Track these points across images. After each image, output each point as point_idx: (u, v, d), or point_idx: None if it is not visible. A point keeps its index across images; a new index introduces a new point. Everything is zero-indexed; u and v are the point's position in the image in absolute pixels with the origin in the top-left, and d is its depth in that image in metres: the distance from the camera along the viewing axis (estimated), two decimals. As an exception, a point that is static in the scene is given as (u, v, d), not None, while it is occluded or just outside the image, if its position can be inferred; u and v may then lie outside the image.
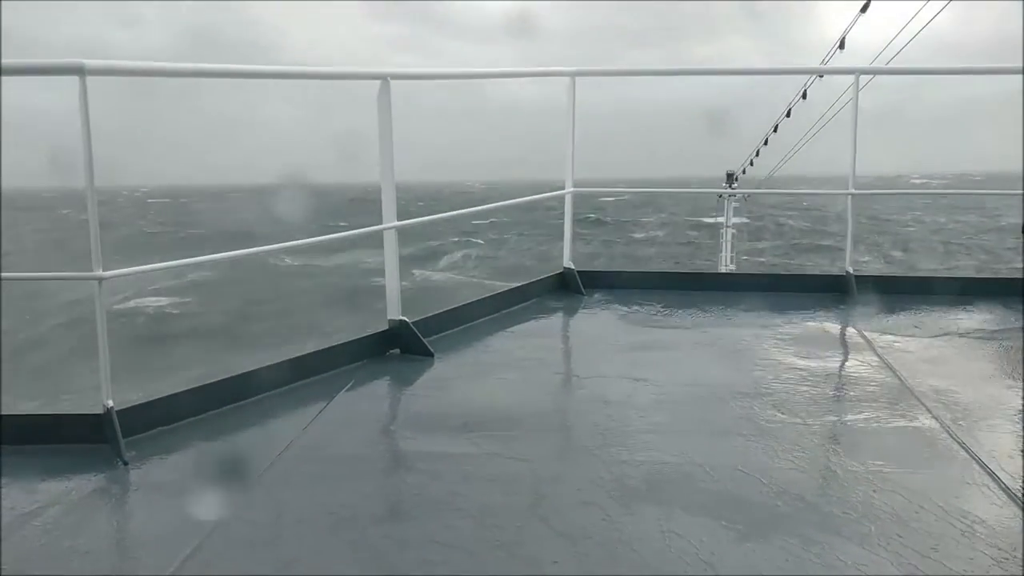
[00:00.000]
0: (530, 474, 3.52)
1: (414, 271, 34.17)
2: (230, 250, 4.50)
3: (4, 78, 3.55)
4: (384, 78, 4.79)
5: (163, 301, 29.14)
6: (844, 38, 12.94)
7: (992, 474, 3.38)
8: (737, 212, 22.46)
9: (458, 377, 4.79)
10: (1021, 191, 6.00)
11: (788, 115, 19.71)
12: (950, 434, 3.81)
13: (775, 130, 22.78)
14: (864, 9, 12.57)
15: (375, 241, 5.15)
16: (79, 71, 3.47)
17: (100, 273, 3.67)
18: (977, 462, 3.51)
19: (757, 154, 24.98)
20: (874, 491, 3.26)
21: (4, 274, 3.85)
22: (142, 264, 4.07)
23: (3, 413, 3.95)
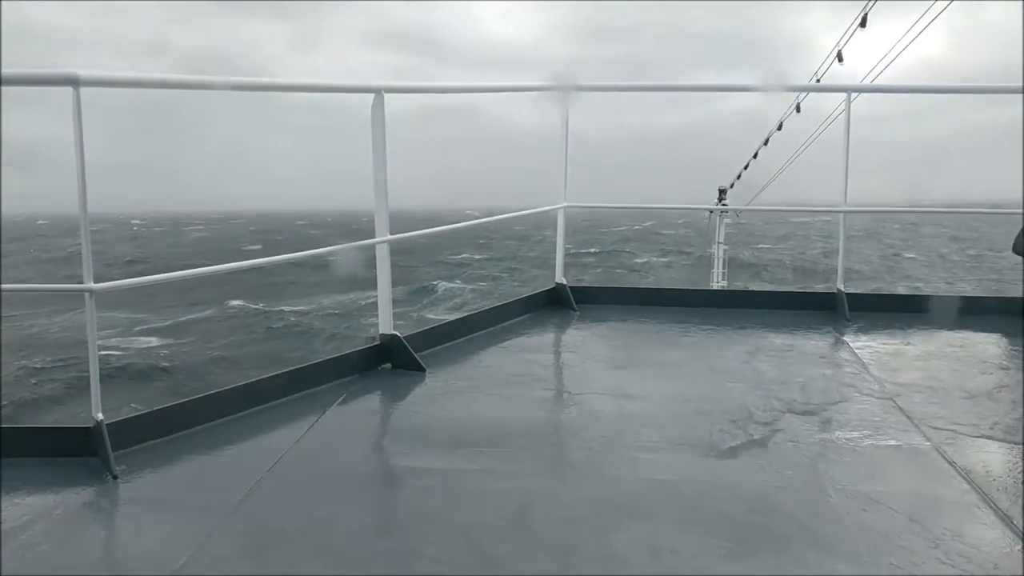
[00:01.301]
0: (520, 490, 3.51)
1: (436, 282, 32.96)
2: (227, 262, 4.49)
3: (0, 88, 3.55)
4: (378, 91, 4.80)
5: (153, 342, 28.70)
6: (840, 51, 12.89)
7: (983, 494, 3.38)
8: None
9: (449, 392, 4.78)
10: (1021, 211, 6.00)
11: (780, 128, 19.73)
12: (940, 453, 3.81)
13: (766, 143, 22.83)
14: (863, 23, 12.59)
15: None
16: (73, 82, 3.46)
17: (91, 285, 3.65)
18: (968, 482, 3.51)
19: (746, 167, 25.02)
20: (864, 510, 3.25)
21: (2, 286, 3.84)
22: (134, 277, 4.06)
23: None
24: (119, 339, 26.70)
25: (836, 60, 12.57)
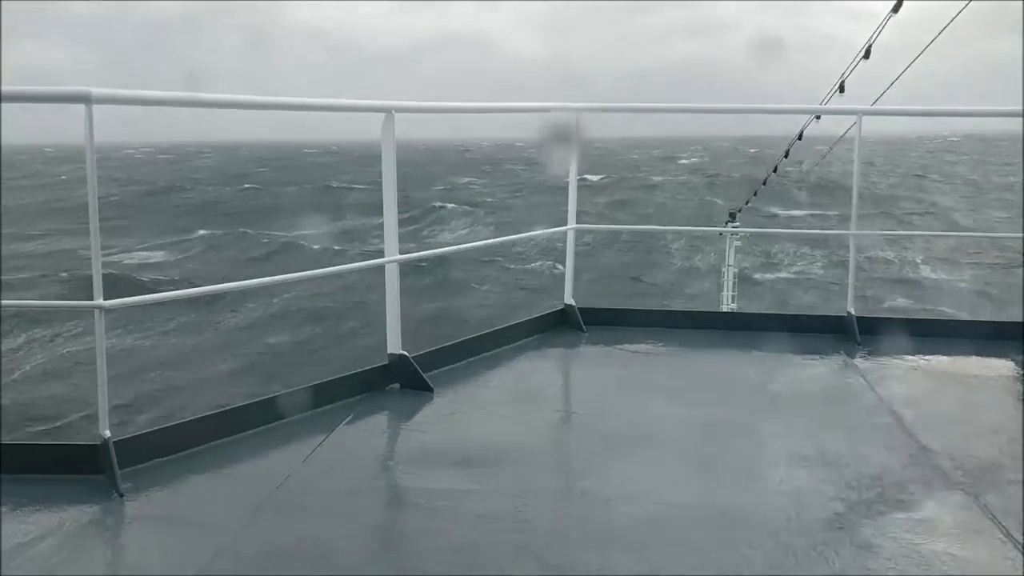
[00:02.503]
0: (524, 512, 3.49)
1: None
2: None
3: (12, 105, 3.57)
4: (388, 111, 4.80)
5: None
6: (843, 82, 12.86)
7: (1014, 540, 3.24)
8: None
9: (457, 413, 4.76)
10: (1021, 233, 5.95)
11: (786, 155, 19.73)
12: (949, 482, 3.76)
13: (775, 170, 22.83)
14: (867, 56, 12.55)
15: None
16: (85, 99, 3.48)
17: (101, 303, 3.65)
18: (993, 520, 3.39)
19: (755, 194, 25.02)
20: (871, 547, 3.20)
21: (4, 301, 3.85)
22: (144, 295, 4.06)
23: (1, 443, 3.91)
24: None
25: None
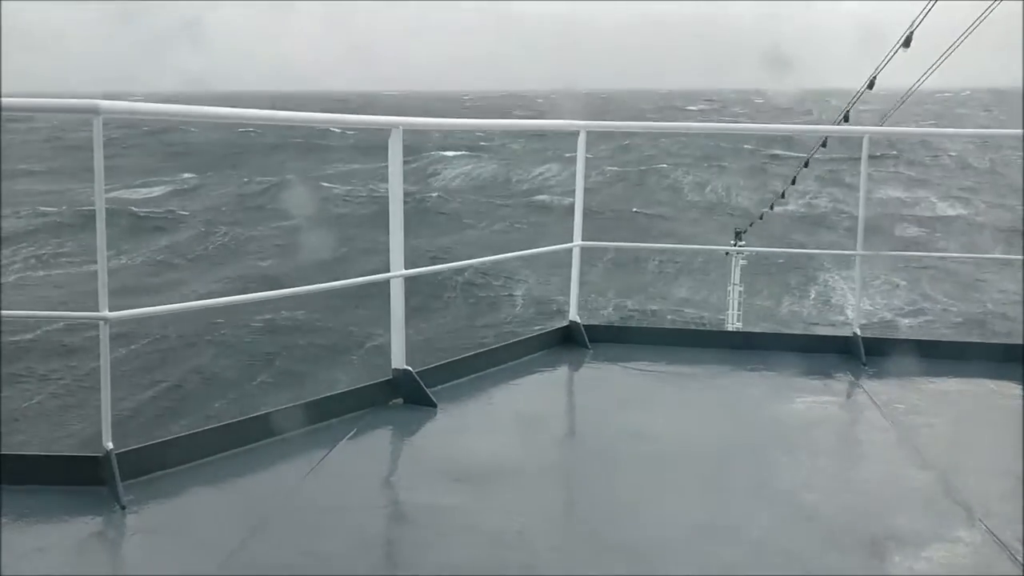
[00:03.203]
0: (527, 529, 3.47)
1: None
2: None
3: (24, 116, 3.59)
4: (395, 126, 4.81)
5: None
6: (874, 79, 12.57)
7: None
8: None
9: (460, 429, 4.75)
10: (1021, 256, 5.93)
11: (807, 165, 19.78)
12: (961, 508, 3.74)
13: (793, 182, 22.89)
14: (871, 87, 12.49)
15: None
16: (94, 111, 3.49)
17: (106, 314, 3.65)
18: (1010, 555, 3.26)
19: (771, 207, 25.04)
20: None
21: (7, 312, 3.85)
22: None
23: (2, 453, 3.91)
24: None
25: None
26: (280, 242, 34.62)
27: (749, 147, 59.13)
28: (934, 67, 11.13)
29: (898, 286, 29.86)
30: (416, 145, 52.36)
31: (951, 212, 44.17)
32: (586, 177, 6.17)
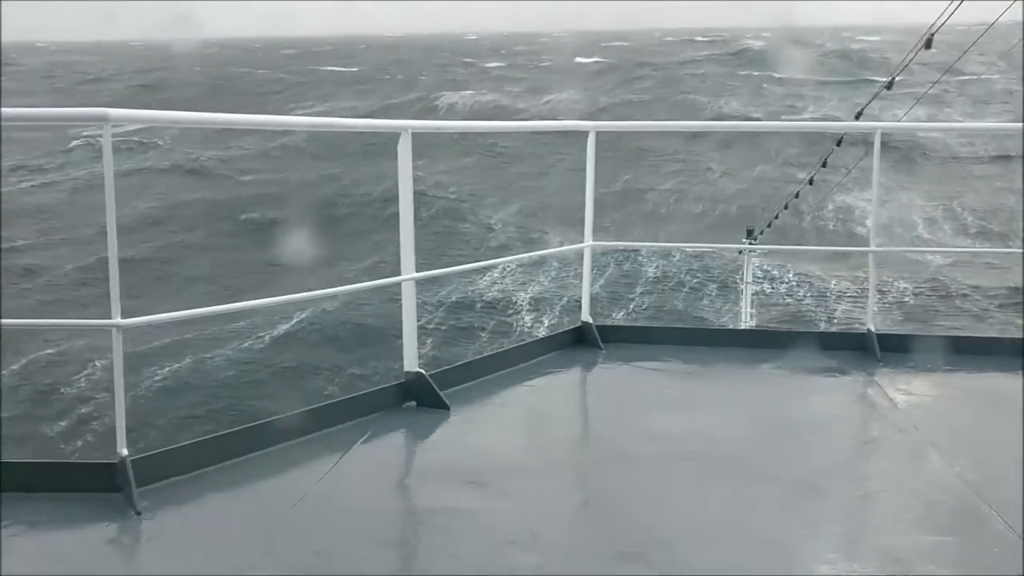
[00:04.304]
0: (541, 530, 3.47)
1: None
2: None
3: (35, 125, 3.62)
4: (404, 130, 4.81)
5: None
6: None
7: None
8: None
9: (473, 431, 4.75)
10: (1021, 249, 5.86)
11: (824, 165, 19.65)
12: (981, 503, 3.71)
13: (810, 182, 22.77)
14: (888, 87, 12.29)
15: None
16: (103, 119, 3.51)
17: (118, 321, 3.66)
18: None
19: (786, 207, 24.90)
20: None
21: (22, 321, 3.87)
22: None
23: (17, 460, 3.93)
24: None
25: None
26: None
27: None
28: (951, 67, 11.04)
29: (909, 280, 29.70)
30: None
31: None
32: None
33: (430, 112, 48.89)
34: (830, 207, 40.02)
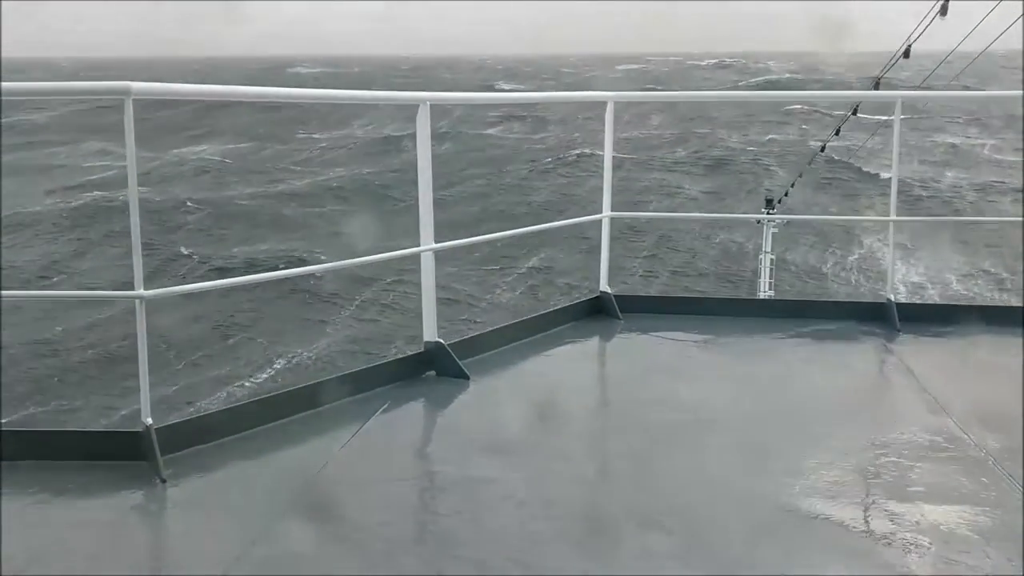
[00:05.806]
0: (561, 499, 3.51)
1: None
2: None
3: (56, 100, 3.66)
4: (423, 102, 4.83)
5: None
6: (909, 47, 12.19)
7: None
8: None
9: (493, 401, 4.79)
10: (1021, 217, 5.80)
11: (837, 133, 19.54)
12: (1001, 473, 3.72)
13: (823, 150, 22.68)
14: (906, 55, 12.12)
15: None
16: (125, 93, 3.54)
17: (141, 292, 3.72)
18: None
19: (792, 185, 24.80)
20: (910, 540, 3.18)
21: (47, 292, 3.93)
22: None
23: (44, 429, 4.00)
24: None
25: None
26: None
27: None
28: (969, 34, 10.89)
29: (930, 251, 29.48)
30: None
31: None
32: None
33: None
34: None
